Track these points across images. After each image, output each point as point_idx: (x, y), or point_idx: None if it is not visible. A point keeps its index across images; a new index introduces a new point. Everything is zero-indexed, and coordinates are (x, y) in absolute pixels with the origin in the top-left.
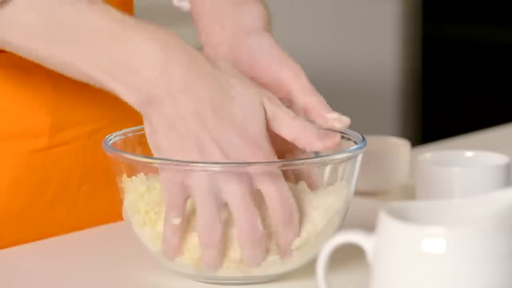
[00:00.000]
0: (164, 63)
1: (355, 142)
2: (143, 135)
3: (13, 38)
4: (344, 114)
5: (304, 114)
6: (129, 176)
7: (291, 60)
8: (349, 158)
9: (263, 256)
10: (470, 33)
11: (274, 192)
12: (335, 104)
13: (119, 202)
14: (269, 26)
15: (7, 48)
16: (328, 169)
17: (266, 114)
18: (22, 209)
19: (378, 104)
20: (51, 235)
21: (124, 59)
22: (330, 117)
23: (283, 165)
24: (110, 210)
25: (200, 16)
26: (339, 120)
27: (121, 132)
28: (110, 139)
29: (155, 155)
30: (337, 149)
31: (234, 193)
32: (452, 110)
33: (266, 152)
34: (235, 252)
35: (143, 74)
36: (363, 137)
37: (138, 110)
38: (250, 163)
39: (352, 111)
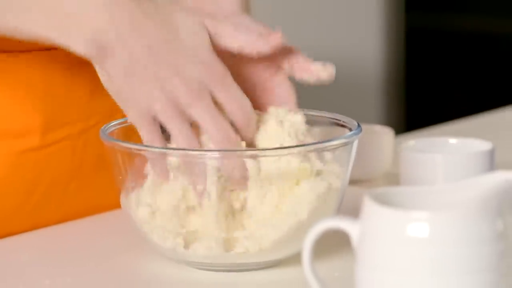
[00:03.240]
0: (110, 8)
1: (350, 129)
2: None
3: None
4: (328, 103)
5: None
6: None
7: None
8: (344, 145)
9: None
10: (453, 22)
11: (230, 98)
12: (319, 94)
13: (115, 192)
14: (247, 10)
15: None
16: (323, 156)
17: (209, 34)
18: (12, 207)
19: (362, 93)
20: None
21: (70, 11)
22: (315, 68)
23: (276, 150)
24: (97, 204)
25: None
26: (324, 69)
27: (119, 121)
28: (107, 129)
29: (117, 100)
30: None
31: (201, 112)
32: (435, 98)
33: (218, 68)
34: None
35: (90, 24)
36: (358, 123)
37: (90, 60)
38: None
39: (336, 100)
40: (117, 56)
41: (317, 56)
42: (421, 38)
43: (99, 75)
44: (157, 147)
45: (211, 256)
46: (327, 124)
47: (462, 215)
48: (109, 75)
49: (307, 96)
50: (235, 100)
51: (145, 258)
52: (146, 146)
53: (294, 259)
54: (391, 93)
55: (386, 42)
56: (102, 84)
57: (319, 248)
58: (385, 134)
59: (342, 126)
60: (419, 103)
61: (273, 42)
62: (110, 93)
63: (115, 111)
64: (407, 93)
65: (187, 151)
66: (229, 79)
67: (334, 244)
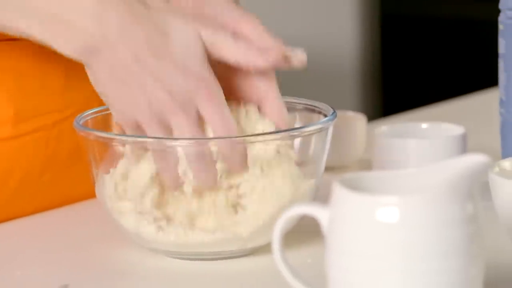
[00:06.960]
0: (98, 12)
1: (325, 115)
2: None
3: None
4: (304, 90)
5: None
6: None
7: (248, 14)
8: (320, 131)
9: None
10: (428, 8)
11: (216, 118)
12: (295, 80)
13: (89, 183)
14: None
15: None
16: (298, 143)
17: (205, 44)
18: None
19: (338, 80)
20: None
21: (58, 12)
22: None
23: (250, 140)
24: (71, 195)
25: None
26: (296, 57)
27: (93, 110)
28: (81, 119)
29: (104, 101)
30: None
31: (181, 126)
32: (411, 84)
33: (208, 82)
34: None
35: (79, 26)
36: (333, 109)
37: (78, 60)
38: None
39: (312, 87)
40: (103, 59)
41: (292, 43)
42: (396, 24)
43: (88, 74)
44: (128, 136)
45: (181, 243)
46: (301, 110)
47: (432, 198)
48: (95, 77)
49: (282, 83)
50: (221, 121)
51: (119, 248)
52: (120, 135)
53: (267, 247)
54: (367, 79)
55: (361, 28)
56: (76, 75)
57: (292, 236)
58: (358, 120)
59: (317, 112)
60: (395, 89)
61: (272, 59)
62: (99, 94)
63: (91, 102)
64: (383, 79)
65: (161, 140)
66: (220, 97)
67: (307, 230)
